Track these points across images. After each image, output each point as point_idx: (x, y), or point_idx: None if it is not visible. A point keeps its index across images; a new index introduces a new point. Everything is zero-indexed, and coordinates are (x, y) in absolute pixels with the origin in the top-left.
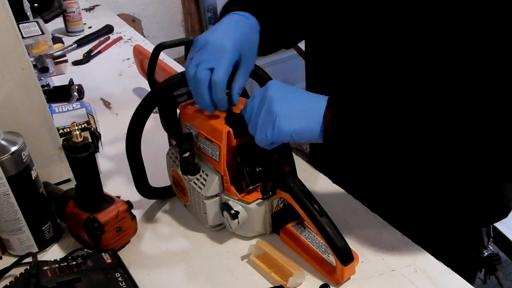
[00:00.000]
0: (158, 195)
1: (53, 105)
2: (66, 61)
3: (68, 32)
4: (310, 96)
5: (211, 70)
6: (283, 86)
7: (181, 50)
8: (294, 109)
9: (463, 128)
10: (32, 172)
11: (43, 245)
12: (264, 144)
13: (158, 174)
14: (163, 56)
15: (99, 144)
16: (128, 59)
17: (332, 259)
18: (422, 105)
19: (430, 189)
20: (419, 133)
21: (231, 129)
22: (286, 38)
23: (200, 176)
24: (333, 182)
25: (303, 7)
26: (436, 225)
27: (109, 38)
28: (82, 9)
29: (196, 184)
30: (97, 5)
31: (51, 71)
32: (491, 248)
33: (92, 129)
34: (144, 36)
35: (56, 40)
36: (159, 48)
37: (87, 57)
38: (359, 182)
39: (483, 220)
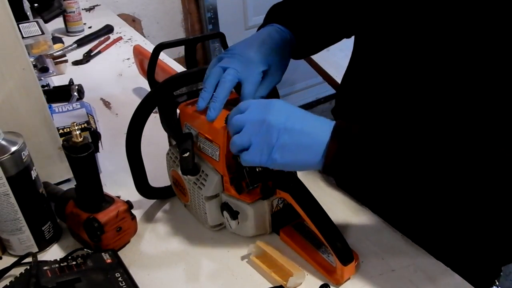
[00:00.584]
0: (158, 195)
1: (53, 105)
2: (66, 61)
3: (68, 32)
4: (314, 123)
5: (238, 79)
6: (286, 109)
7: (181, 50)
8: (293, 142)
9: (475, 171)
10: (32, 172)
11: (43, 245)
12: (248, 165)
13: (158, 174)
14: (163, 56)
15: (99, 144)
16: (128, 59)
17: (332, 259)
18: (438, 146)
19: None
20: (426, 172)
21: None
22: (317, 45)
23: (200, 176)
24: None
25: (337, 21)
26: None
27: (109, 38)
28: (82, 9)
29: (196, 184)
30: (97, 5)
31: (51, 71)
32: (497, 284)
33: (92, 129)
34: (144, 36)
35: (56, 40)
36: (159, 48)
37: (87, 57)
38: (362, 187)
39: (497, 260)
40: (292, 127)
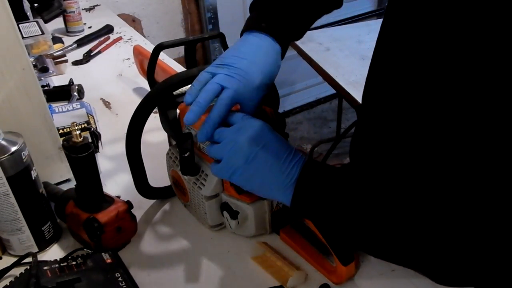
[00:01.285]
0: (158, 195)
1: (53, 105)
2: (66, 61)
3: (68, 32)
4: (286, 156)
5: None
6: (265, 135)
7: (181, 50)
8: (260, 173)
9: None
10: (32, 172)
11: (43, 245)
12: (217, 176)
13: (158, 174)
14: (163, 56)
15: (99, 144)
16: (128, 59)
17: (332, 259)
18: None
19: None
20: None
21: None
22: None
23: (200, 176)
24: None
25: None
26: None
27: (109, 38)
28: (82, 9)
29: (196, 184)
30: (97, 5)
31: (51, 71)
32: None
33: (92, 129)
34: (144, 36)
35: (56, 40)
36: (159, 48)
37: (87, 57)
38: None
39: None
40: (265, 156)
